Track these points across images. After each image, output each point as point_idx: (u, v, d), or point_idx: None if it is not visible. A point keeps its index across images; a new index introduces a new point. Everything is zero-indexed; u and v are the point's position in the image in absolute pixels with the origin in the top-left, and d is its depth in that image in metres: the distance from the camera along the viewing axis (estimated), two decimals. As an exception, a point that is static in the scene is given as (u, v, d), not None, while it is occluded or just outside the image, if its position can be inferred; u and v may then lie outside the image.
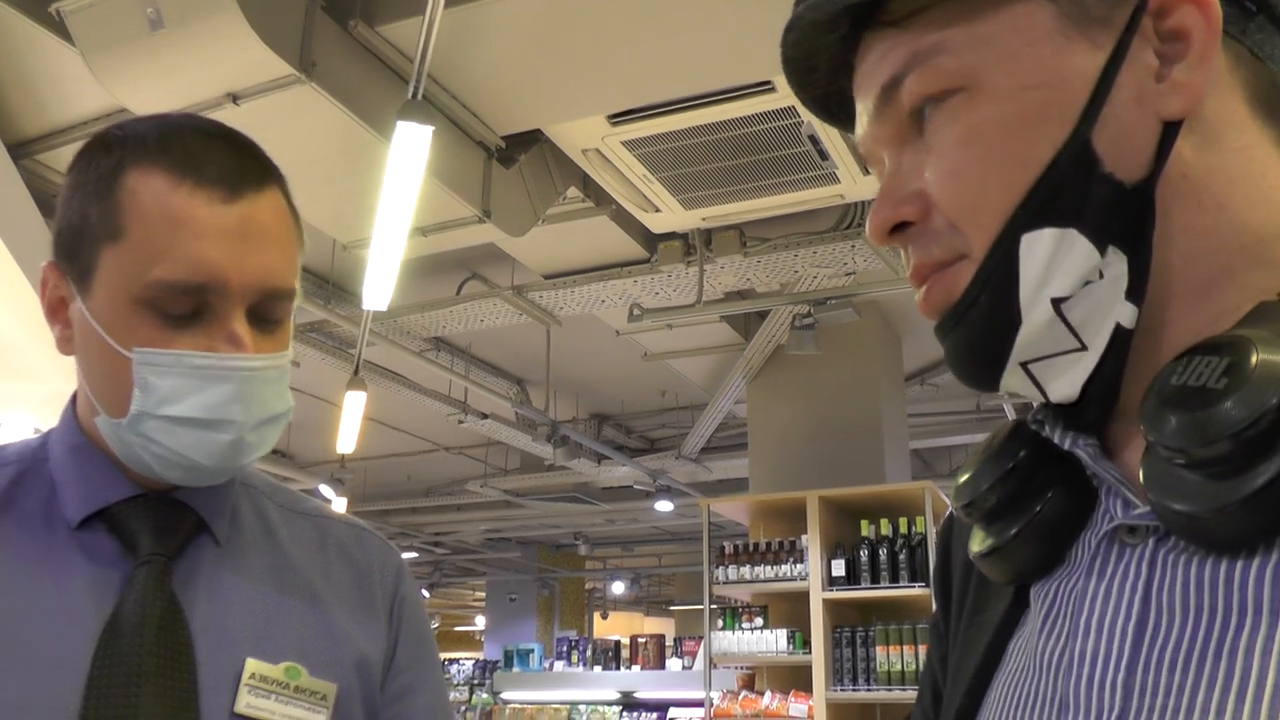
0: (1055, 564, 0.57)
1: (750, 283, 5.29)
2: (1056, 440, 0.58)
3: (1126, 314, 0.53)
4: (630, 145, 3.91)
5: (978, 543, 0.61)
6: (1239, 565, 0.47)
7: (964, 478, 0.61)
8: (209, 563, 0.93)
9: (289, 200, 0.94)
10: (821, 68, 0.63)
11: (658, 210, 4.44)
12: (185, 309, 0.86)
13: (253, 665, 0.89)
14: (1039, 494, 0.58)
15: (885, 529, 5.08)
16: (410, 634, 1.03)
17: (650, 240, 5.03)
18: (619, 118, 3.76)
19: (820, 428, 5.96)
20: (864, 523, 5.16)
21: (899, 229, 0.59)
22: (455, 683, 12.57)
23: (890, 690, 4.83)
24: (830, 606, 5.09)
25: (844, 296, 5.40)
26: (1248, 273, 0.53)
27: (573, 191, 4.50)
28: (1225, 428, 0.45)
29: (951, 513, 0.69)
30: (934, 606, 0.74)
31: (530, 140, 4.02)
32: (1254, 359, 0.45)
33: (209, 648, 0.88)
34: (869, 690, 4.91)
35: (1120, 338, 0.53)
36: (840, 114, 0.66)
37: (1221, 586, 0.47)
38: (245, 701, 0.87)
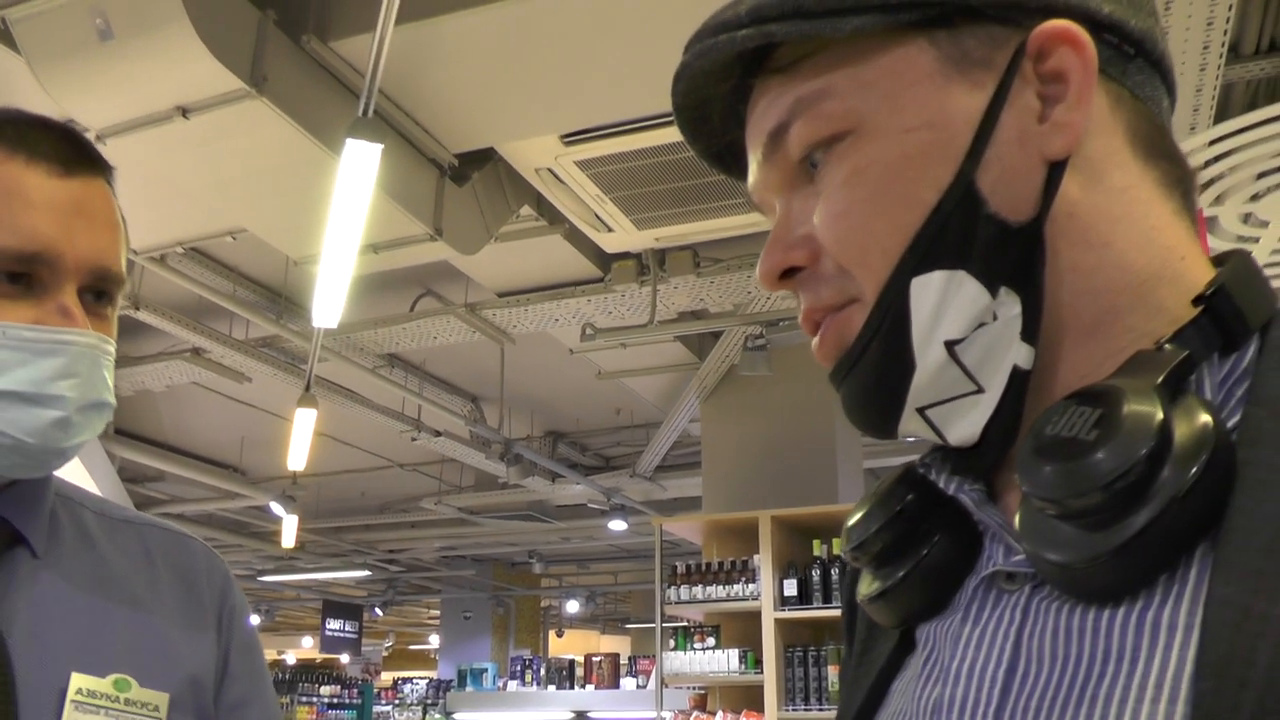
0: (941, 608, 0.57)
1: (703, 303, 5.32)
2: (942, 485, 0.58)
3: (1023, 355, 0.53)
4: (583, 165, 3.92)
5: (865, 586, 0.61)
6: (1106, 613, 0.47)
7: (852, 521, 0.61)
8: (26, 575, 0.87)
9: (116, 200, 0.94)
10: (714, 118, 0.63)
11: (611, 230, 4.45)
12: (15, 280, 0.83)
13: (79, 680, 0.84)
14: (926, 538, 0.57)
15: (838, 548, 5.10)
16: (241, 644, 1.01)
17: (604, 259, 5.04)
18: (572, 137, 3.77)
19: (773, 447, 5.99)
20: (816, 542, 5.18)
21: (789, 274, 0.58)
22: (409, 702, 12.44)
23: (840, 709, 4.85)
24: (782, 626, 5.11)
25: (796, 318, 5.44)
26: (1130, 314, 0.53)
27: (526, 210, 4.50)
28: (1096, 479, 0.45)
29: None
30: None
31: (483, 158, 4.02)
32: (1125, 410, 0.46)
33: (30, 665, 0.83)
34: (821, 710, 4.92)
35: (1018, 379, 0.53)
36: (734, 167, 0.65)
37: (1089, 634, 0.47)
38: (72, 719, 0.83)
